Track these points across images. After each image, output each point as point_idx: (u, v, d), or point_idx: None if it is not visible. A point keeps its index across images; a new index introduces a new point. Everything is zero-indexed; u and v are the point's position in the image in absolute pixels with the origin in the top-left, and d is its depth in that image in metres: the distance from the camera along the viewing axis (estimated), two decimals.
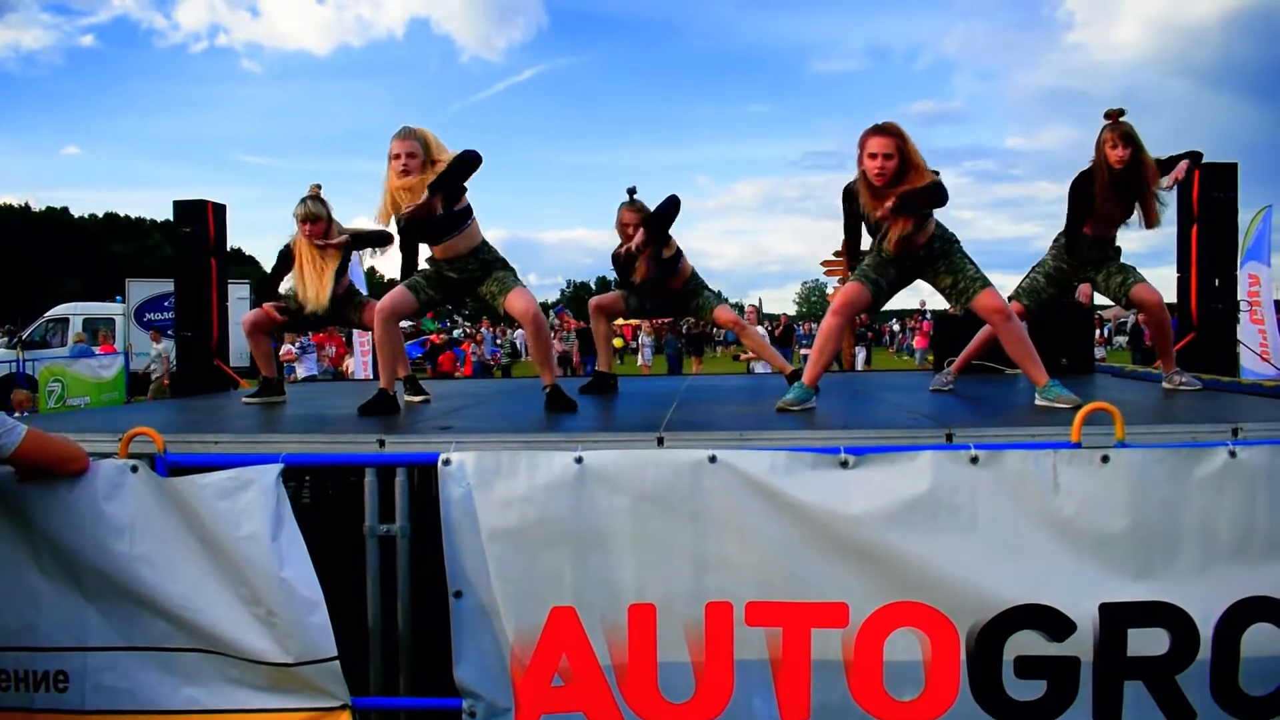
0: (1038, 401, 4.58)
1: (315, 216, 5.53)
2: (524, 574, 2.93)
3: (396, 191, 4.53)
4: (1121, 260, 5.37)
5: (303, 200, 5.56)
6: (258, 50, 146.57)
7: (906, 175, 4.44)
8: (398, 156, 4.52)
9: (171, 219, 7.50)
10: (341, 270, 5.63)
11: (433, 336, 27.94)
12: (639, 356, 26.41)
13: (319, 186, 5.61)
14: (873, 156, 4.43)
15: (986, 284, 4.64)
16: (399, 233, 4.84)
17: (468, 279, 4.92)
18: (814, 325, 29.43)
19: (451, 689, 3.01)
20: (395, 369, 5.05)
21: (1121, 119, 5.00)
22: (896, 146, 4.40)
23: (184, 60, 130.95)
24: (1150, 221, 5.15)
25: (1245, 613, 2.85)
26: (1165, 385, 5.42)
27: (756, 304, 37.56)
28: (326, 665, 2.93)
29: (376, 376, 5.22)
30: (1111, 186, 5.04)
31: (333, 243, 5.53)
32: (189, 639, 3.01)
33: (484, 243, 4.92)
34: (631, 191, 5.82)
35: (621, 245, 5.77)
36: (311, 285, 5.55)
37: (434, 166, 4.54)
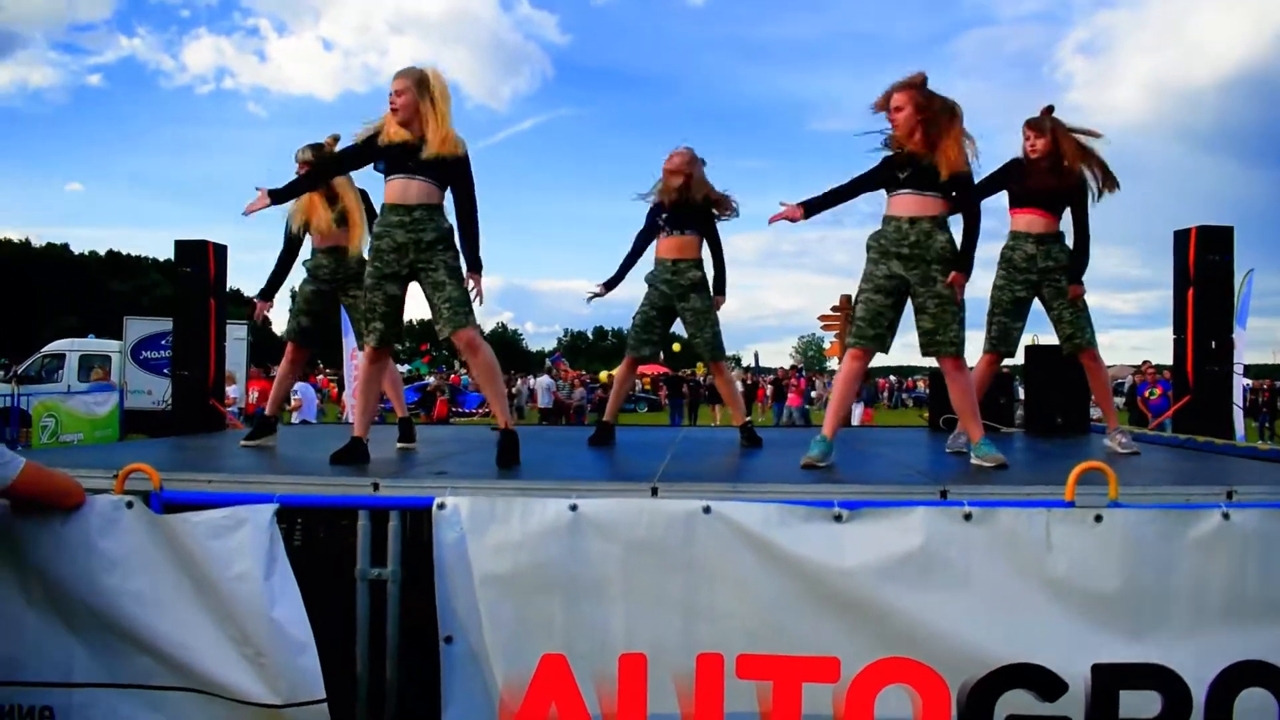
0: (972, 460, 4.63)
1: (305, 161, 5.62)
2: (515, 620, 2.92)
3: (390, 133, 4.52)
4: (1081, 309, 5.37)
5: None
6: (264, 94, 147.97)
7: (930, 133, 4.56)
8: (391, 95, 4.51)
9: (172, 258, 7.55)
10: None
11: (428, 380, 27.88)
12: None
13: (336, 138, 5.62)
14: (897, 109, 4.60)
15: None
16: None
17: (415, 241, 4.53)
18: (814, 379, 29.49)
19: None
20: (372, 414, 4.91)
21: (1042, 115, 5.29)
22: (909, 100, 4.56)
23: (190, 101, 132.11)
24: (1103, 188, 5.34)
25: (1239, 677, 2.83)
26: (1106, 444, 5.44)
27: (754, 358, 37.45)
28: (315, 707, 2.90)
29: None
30: (1035, 176, 5.29)
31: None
32: (176, 678, 2.99)
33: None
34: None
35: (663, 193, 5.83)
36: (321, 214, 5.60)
37: (432, 104, 4.49)
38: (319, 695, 2.90)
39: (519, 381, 33.38)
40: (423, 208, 4.55)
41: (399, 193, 4.55)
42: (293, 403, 13.25)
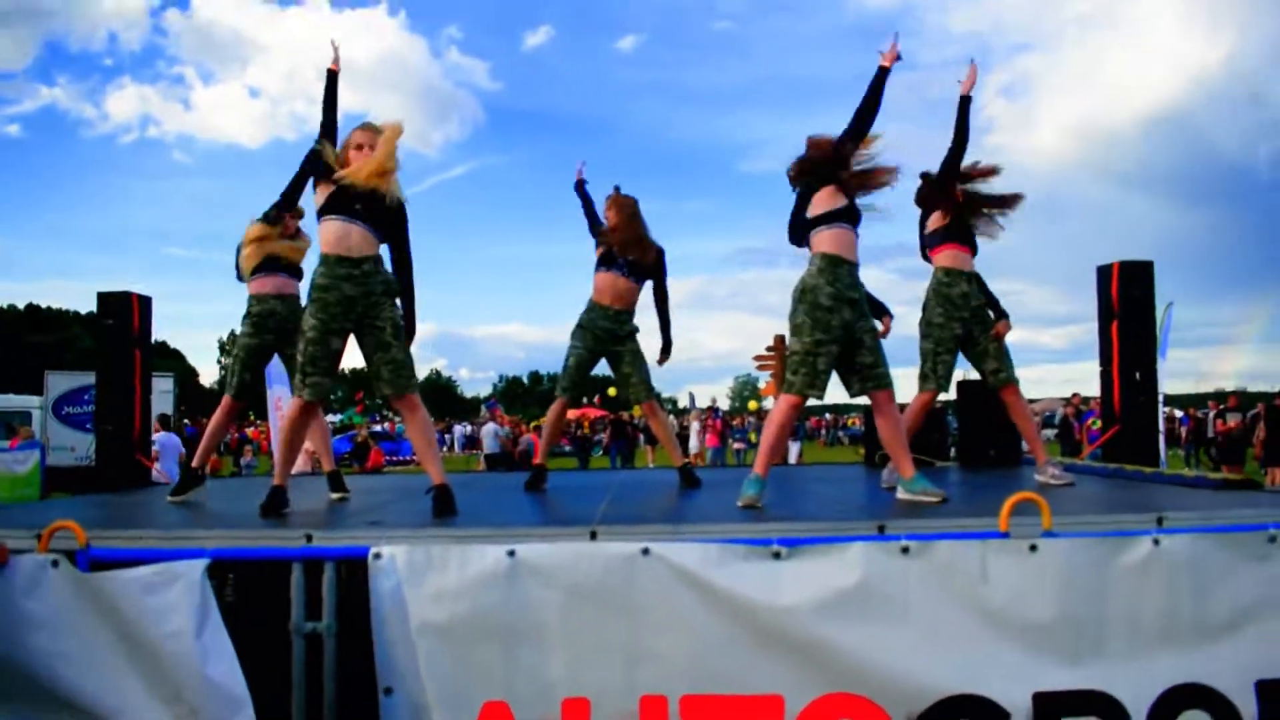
0: (900, 494, 4.63)
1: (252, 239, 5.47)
2: (456, 669, 2.88)
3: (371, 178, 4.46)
4: (1003, 344, 5.54)
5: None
6: (189, 142, 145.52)
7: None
8: (361, 147, 4.54)
9: (95, 310, 7.38)
10: None
11: (361, 431, 27.46)
12: (691, 443, 23.85)
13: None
14: None
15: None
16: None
17: (364, 295, 4.47)
18: (749, 419, 29.53)
19: None
20: (293, 463, 4.85)
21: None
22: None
23: (113, 151, 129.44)
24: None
25: (1177, 700, 2.89)
26: (1038, 478, 5.50)
27: (689, 399, 37.43)
28: None
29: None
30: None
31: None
32: None
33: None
34: (617, 188, 5.97)
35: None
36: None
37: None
38: None
39: (455, 428, 32.97)
40: (370, 260, 4.52)
41: (340, 239, 4.46)
42: (152, 454, 12.94)
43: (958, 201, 5.46)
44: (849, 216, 4.64)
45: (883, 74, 4.66)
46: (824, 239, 4.62)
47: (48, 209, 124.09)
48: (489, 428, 22.47)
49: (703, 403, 31.38)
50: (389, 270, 4.65)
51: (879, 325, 5.10)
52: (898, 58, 4.68)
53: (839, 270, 4.55)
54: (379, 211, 4.52)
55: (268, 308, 5.52)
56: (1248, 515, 3.67)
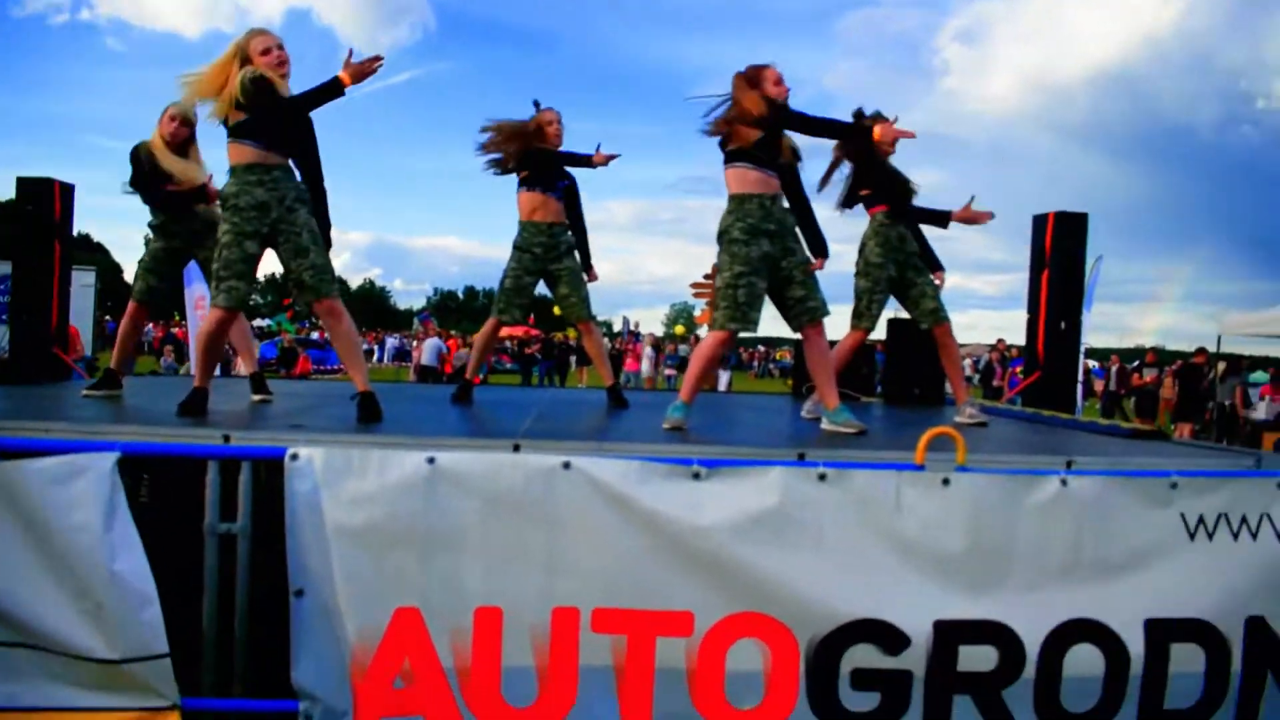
0: (824, 425, 4.72)
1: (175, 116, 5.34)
2: (369, 574, 2.87)
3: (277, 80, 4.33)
4: (937, 287, 5.68)
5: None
6: (124, 28, 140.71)
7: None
8: (269, 51, 4.36)
9: (13, 197, 7.12)
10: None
11: (285, 337, 27.06)
12: (643, 368, 24.04)
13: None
14: (778, 83, 4.59)
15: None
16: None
17: (277, 199, 4.40)
18: (681, 347, 29.64)
19: (289, 691, 2.92)
20: (213, 365, 4.82)
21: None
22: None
23: (42, 33, 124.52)
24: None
25: (1069, 633, 2.98)
26: (957, 418, 5.61)
27: (624, 321, 37.44)
28: (157, 663, 2.81)
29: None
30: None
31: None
32: (8, 633, 2.84)
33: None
34: (537, 104, 5.85)
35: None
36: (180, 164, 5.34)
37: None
38: (162, 651, 2.81)
39: (387, 340, 32.58)
40: (280, 168, 4.45)
41: (242, 153, 4.40)
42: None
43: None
44: (751, 157, 4.60)
45: (858, 132, 4.69)
46: (729, 178, 4.68)
47: None
48: (431, 342, 22.32)
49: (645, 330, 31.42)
50: (298, 178, 4.59)
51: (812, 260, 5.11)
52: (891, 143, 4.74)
53: (747, 205, 4.60)
54: (279, 122, 4.42)
55: (166, 217, 5.49)
56: (1154, 464, 3.79)
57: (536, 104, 5.82)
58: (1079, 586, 3.01)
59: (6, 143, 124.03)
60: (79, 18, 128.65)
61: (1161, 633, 3.01)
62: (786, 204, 4.79)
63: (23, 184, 6.99)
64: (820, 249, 5.18)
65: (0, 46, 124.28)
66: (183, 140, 5.35)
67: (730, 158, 4.61)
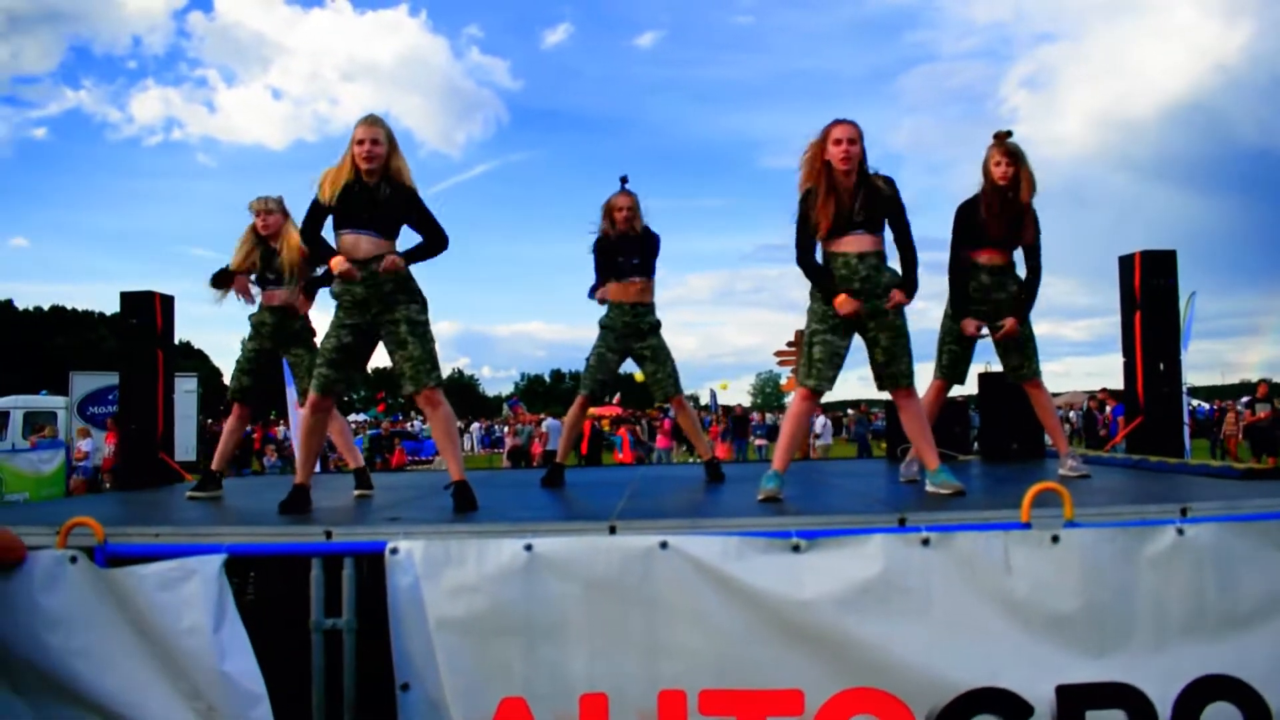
0: (927, 487, 4.61)
1: (270, 210, 5.60)
2: (473, 664, 2.86)
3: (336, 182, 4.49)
4: (1028, 338, 5.36)
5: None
6: (213, 144, 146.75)
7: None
8: (362, 142, 4.48)
9: (118, 311, 7.43)
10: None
11: (382, 428, 27.54)
12: (815, 438, 22.71)
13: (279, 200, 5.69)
14: (838, 142, 4.47)
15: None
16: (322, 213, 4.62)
17: (376, 295, 4.54)
18: (769, 416, 29.32)
19: None
20: (314, 461, 4.89)
21: (1009, 139, 5.15)
22: (860, 134, 4.49)
23: (137, 154, 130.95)
24: (1028, 236, 5.24)
25: (1203, 692, 2.83)
26: (1061, 471, 5.41)
27: (711, 395, 37.27)
28: None
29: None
30: (999, 206, 5.14)
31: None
32: None
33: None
34: (624, 180, 5.93)
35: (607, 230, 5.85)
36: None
37: (395, 160, 4.57)
38: None
39: (474, 426, 32.96)
40: (376, 260, 4.53)
41: (349, 249, 4.53)
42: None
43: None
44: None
45: (824, 293, 4.58)
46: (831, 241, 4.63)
47: (73, 212, 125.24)
48: (550, 423, 22.06)
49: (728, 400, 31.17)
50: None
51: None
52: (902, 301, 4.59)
53: (831, 265, 4.57)
54: (392, 210, 4.58)
55: (259, 318, 5.73)
56: (1274, 504, 3.62)
57: (624, 180, 5.92)
58: (1208, 641, 2.87)
59: (110, 258, 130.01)
60: (171, 137, 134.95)
61: None
62: (889, 260, 4.65)
63: (126, 298, 7.29)
64: (909, 284, 4.84)
65: (101, 169, 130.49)
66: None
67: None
